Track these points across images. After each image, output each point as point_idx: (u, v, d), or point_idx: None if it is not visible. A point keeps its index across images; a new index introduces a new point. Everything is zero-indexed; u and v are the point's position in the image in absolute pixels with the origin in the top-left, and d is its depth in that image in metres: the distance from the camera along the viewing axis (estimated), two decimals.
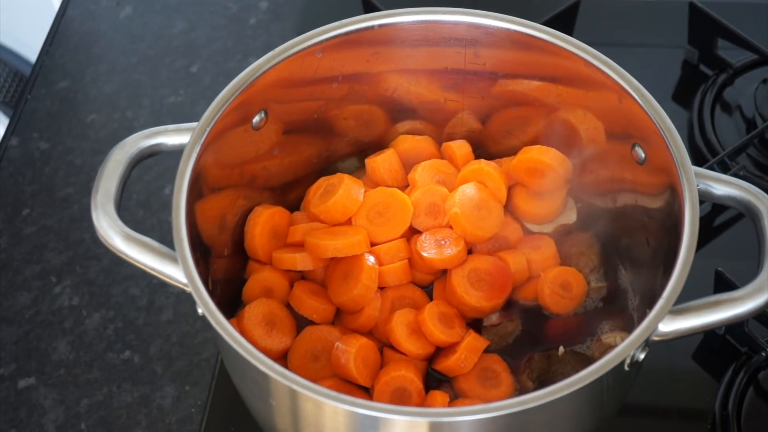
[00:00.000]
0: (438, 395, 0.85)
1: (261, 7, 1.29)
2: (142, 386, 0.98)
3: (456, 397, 0.87)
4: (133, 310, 1.03)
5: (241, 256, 0.93)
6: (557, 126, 0.93)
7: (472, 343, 0.87)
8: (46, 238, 1.08)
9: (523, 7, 1.18)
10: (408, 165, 0.96)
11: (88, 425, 0.96)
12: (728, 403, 0.93)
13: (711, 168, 1.04)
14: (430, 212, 0.92)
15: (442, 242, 0.90)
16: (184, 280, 0.77)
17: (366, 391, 0.86)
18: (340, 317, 0.92)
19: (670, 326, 0.75)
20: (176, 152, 0.84)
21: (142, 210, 1.10)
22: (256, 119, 0.89)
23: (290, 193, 0.98)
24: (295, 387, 0.71)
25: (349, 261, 0.90)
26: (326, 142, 0.97)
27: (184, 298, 1.02)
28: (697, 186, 0.79)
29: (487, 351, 0.88)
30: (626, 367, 0.74)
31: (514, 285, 0.92)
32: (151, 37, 1.27)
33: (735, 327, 0.96)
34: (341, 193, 0.91)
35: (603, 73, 0.85)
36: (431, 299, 0.91)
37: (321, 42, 0.89)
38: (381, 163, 0.95)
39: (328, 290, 0.91)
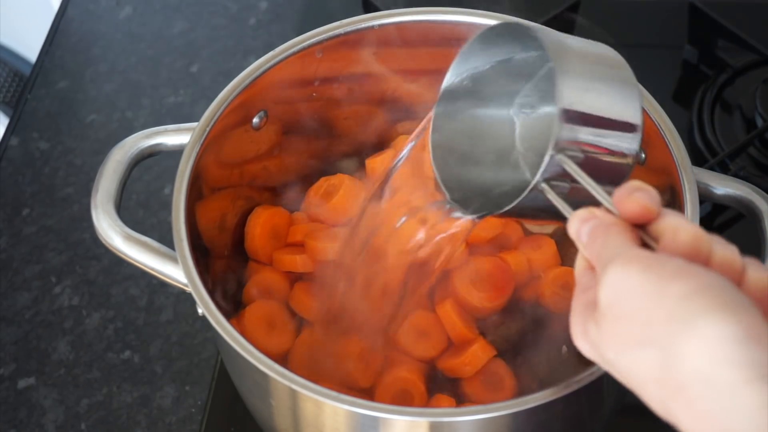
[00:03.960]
0: (443, 399, 0.84)
1: (261, 7, 1.29)
2: (142, 386, 0.98)
3: (460, 401, 0.87)
4: (132, 310, 1.03)
5: (241, 256, 0.93)
6: None
7: (479, 351, 0.86)
8: (46, 238, 1.08)
9: (523, 7, 1.18)
10: None
11: (88, 425, 0.96)
12: None
13: (711, 168, 1.04)
14: None
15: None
16: (184, 280, 0.77)
17: (367, 393, 0.86)
18: None
19: None
20: (176, 152, 0.84)
21: (142, 210, 1.09)
22: (256, 119, 0.89)
23: (290, 193, 0.98)
24: (295, 387, 0.71)
25: None
26: (326, 142, 0.97)
27: (184, 298, 1.02)
28: (697, 186, 0.79)
29: None
30: None
31: (516, 285, 0.92)
32: (151, 37, 1.27)
33: None
34: (342, 194, 0.91)
35: None
36: (431, 300, 0.91)
37: (321, 42, 0.89)
38: (381, 163, 0.95)
39: None
